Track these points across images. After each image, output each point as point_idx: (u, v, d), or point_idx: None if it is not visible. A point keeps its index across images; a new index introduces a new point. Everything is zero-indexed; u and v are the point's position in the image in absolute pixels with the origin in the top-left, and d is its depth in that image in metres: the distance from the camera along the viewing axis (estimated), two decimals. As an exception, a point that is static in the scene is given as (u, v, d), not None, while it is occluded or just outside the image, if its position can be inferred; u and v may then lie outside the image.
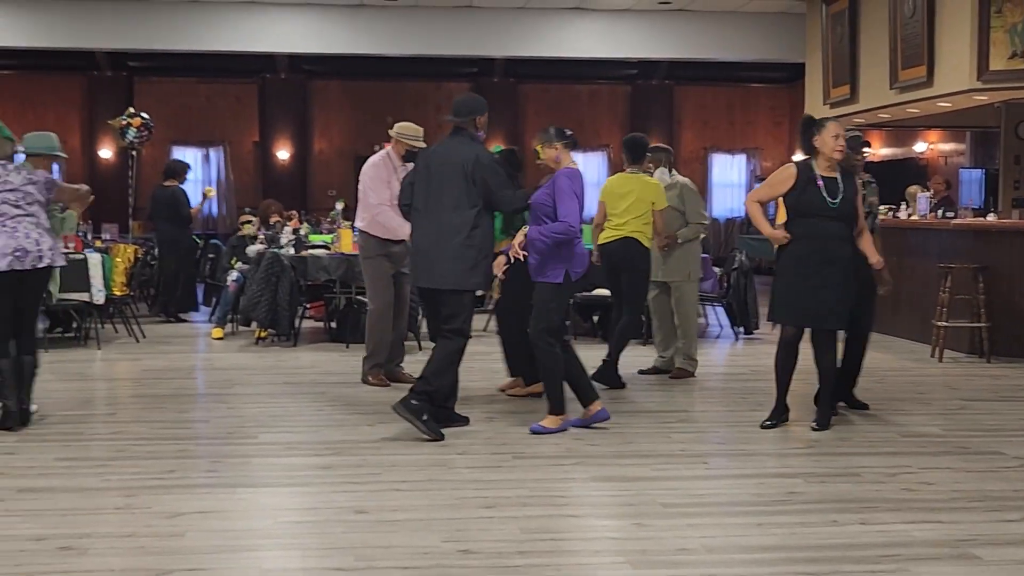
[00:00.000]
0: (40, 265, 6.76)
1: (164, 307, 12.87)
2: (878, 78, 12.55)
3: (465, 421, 6.87)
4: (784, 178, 6.79)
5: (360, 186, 8.35)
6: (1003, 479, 5.69)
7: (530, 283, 7.58)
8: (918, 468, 5.90)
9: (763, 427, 6.86)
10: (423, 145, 8.27)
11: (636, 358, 9.26)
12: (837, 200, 6.66)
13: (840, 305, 6.72)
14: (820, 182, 6.67)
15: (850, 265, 6.72)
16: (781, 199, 6.89)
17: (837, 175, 6.74)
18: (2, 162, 6.97)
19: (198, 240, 13.65)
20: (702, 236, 8.91)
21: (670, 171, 8.92)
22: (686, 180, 8.93)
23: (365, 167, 8.38)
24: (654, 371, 8.98)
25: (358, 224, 8.40)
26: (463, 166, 6.60)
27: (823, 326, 6.78)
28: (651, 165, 8.88)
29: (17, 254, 6.68)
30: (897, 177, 15.39)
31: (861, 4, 13.03)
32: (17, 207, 6.79)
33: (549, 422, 6.72)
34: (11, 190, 6.82)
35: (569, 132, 6.88)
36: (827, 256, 6.67)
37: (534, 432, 6.64)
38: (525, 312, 7.05)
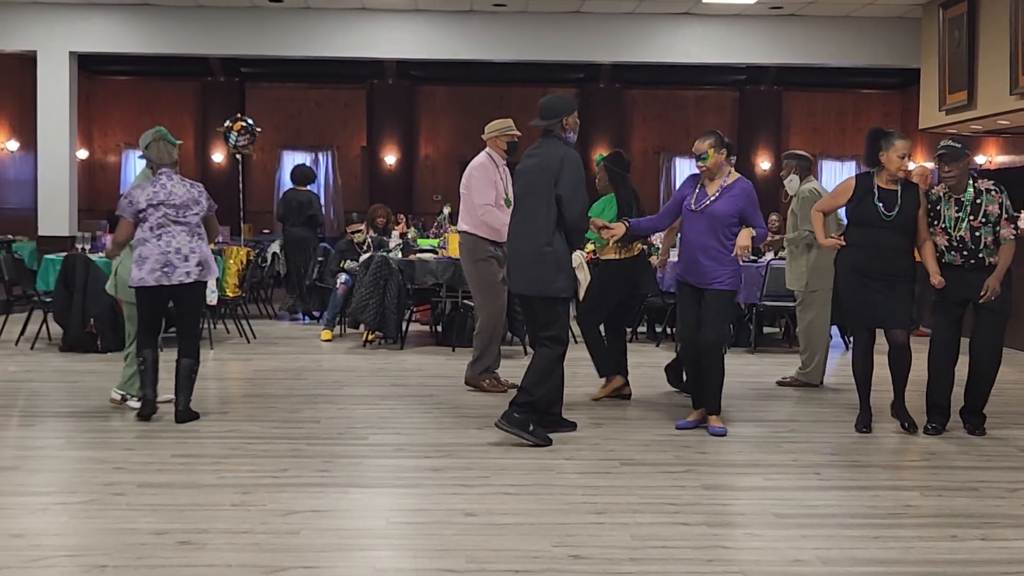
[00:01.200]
0: (187, 281, 6.95)
1: (293, 305, 13.65)
2: (997, 83, 12.23)
3: (572, 426, 6.86)
4: (843, 190, 7.11)
5: (463, 188, 8.38)
6: None
7: (615, 284, 7.74)
8: (1040, 484, 5.75)
9: (858, 431, 7.00)
10: (518, 133, 8.42)
11: (776, 367, 9.17)
12: (893, 212, 6.85)
13: (899, 310, 6.88)
14: (877, 194, 6.87)
15: (908, 274, 6.90)
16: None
17: (898, 188, 6.92)
18: (166, 170, 7.07)
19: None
20: (809, 244, 8.68)
21: (801, 178, 8.81)
22: (811, 187, 8.74)
23: (470, 169, 8.39)
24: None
25: (464, 226, 8.39)
26: (551, 168, 6.55)
27: (882, 327, 6.96)
28: (783, 171, 8.98)
29: (165, 270, 6.90)
30: (1015, 185, 14.93)
31: (980, 8, 12.71)
32: (176, 221, 6.97)
33: (718, 421, 6.93)
34: (172, 205, 6.97)
35: (727, 139, 7.04)
36: (882, 265, 6.86)
37: (714, 435, 6.80)
38: (608, 312, 7.97)
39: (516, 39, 15.09)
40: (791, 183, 8.82)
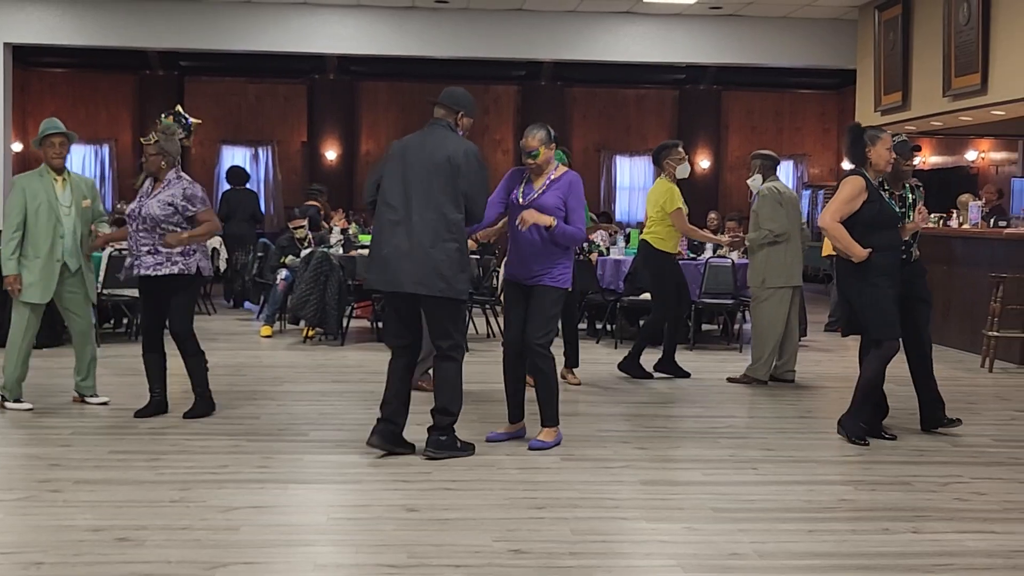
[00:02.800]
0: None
1: (234, 296, 14.31)
2: (931, 85, 12.45)
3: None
4: (857, 192, 6.59)
5: None
6: (1057, 491, 5.65)
7: None
8: (970, 478, 5.87)
9: (859, 443, 6.63)
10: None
11: (714, 364, 9.25)
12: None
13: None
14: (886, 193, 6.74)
15: None
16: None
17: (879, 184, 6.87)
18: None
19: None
20: (768, 242, 8.77)
21: (765, 177, 8.89)
22: (771, 186, 8.82)
23: None
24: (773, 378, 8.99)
25: None
26: (450, 160, 5.97)
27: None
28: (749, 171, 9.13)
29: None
30: (947, 185, 15.27)
31: (915, 11, 12.93)
32: None
33: (549, 435, 6.41)
34: None
35: (555, 133, 6.51)
36: (902, 265, 6.74)
37: (533, 449, 6.31)
38: None
39: (458, 36, 15.10)
40: (754, 182, 8.91)
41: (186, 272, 6.93)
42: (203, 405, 7.13)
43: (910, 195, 6.96)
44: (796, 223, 8.78)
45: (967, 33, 11.53)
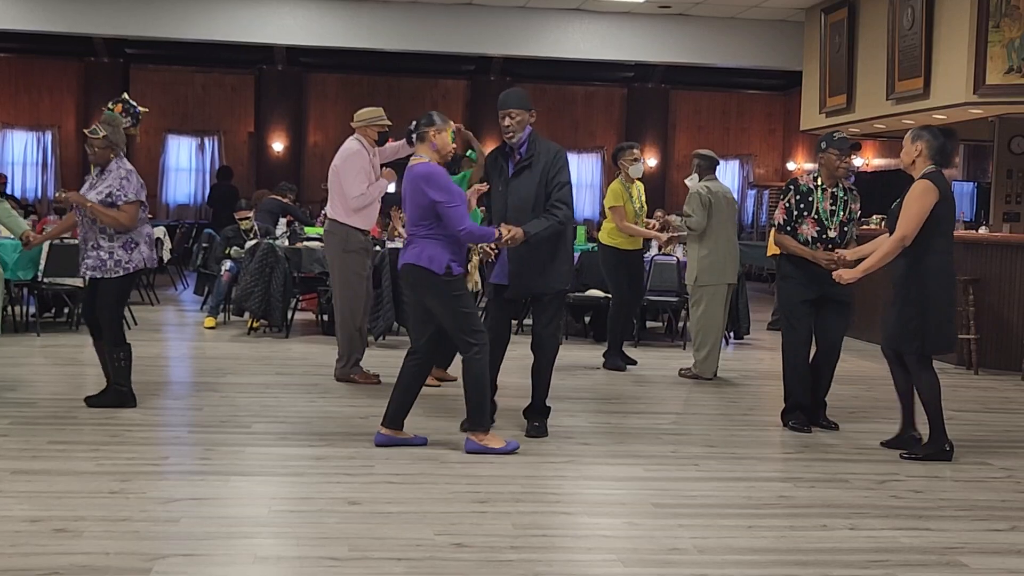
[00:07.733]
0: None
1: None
2: (875, 88, 12.62)
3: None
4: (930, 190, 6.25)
5: (335, 176, 8.12)
6: (990, 489, 5.75)
7: None
8: (906, 476, 5.95)
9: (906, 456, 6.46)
10: (388, 122, 8.23)
11: (659, 360, 9.31)
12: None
13: None
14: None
15: None
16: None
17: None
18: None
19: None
20: (683, 235, 9.04)
21: (701, 176, 9.00)
22: (702, 185, 8.91)
23: (344, 156, 8.13)
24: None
25: (338, 217, 8.11)
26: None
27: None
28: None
29: (152, 254, 7.08)
30: (890, 188, 15.44)
31: (860, 14, 13.10)
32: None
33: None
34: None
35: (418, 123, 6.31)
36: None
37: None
38: None
39: (407, 29, 15.09)
40: (691, 180, 9.06)
41: (128, 272, 6.84)
42: (114, 396, 6.94)
43: (842, 195, 7.01)
44: (727, 222, 8.87)
45: (911, 37, 11.69)
